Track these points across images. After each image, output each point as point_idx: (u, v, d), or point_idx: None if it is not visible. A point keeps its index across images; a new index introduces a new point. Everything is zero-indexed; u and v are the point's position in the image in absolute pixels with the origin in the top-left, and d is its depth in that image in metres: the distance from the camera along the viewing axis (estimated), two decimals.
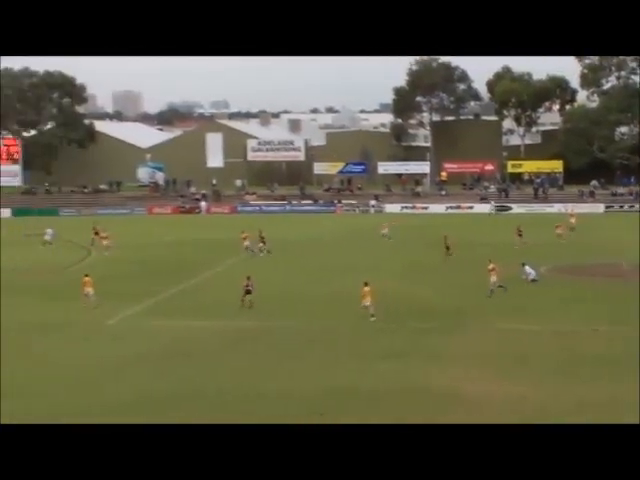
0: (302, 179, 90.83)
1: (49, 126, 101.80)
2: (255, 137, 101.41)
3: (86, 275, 35.62)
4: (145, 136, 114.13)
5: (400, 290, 36.65)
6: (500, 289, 35.03)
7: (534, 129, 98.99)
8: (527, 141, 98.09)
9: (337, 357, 25.80)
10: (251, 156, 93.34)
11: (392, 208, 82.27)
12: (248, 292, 33.21)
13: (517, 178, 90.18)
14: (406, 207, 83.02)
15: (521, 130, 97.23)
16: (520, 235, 51.37)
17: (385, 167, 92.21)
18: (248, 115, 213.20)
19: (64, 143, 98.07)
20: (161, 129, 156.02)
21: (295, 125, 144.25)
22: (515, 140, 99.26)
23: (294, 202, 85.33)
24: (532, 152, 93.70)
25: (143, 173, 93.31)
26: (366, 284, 31.15)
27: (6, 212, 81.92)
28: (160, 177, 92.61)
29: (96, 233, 55.81)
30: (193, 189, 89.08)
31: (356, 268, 41.49)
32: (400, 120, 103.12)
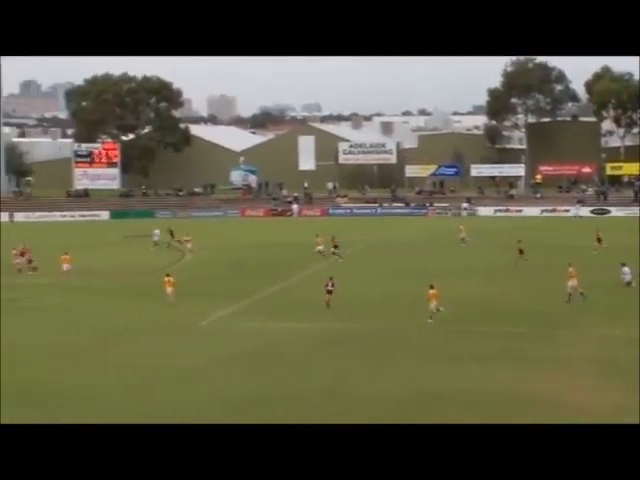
0: (394, 182, 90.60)
1: (146, 130, 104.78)
2: (347, 140, 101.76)
3: (167, 275, 36.44)
4: (239, 139, 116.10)
5: (485, 294, 36.50)
6: (580, 294, 34.21)
7: (635, 130, 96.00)
8: (627, 142, 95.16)
9: (425, 360, 25.65)
10: (343, 159, 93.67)
11: (485, 211, 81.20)
12: (329, 292, 33.64)
13: (616, 181, 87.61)
14: (499, 210, 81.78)
15: (621, 131, 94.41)
16: (599, 241, 49.97)
17: (478, 169, 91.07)
18: (340, 118, 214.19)
19: (160, 147, 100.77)
20: (254, 132, 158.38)
21: (387, 128, 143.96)
22: (615, 142, 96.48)
23: (385, 205, 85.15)
24: (633, 154, 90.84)
25: (236, 176, 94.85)
26: (432, 287, 31.29)
27: (104, 214, 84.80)
28: (253, 180, 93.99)
29: (172, 235, 56.48)
30: (285, 192, 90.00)
31: (441, 271, 41.55)
32: (494, 122, 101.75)
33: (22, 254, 45.94)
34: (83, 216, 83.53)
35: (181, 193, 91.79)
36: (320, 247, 48.63)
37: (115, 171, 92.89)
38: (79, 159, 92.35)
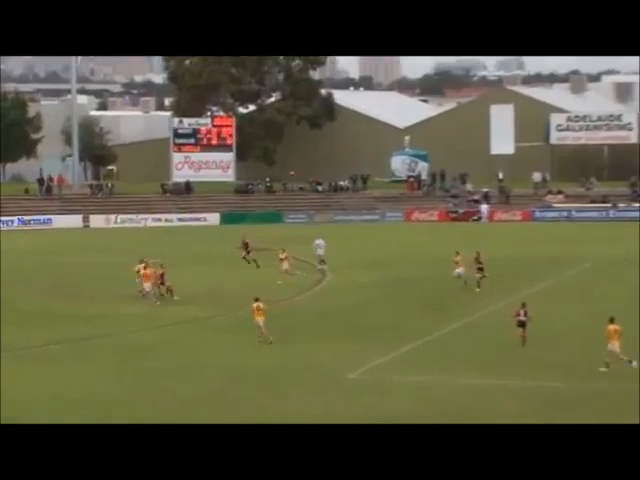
0: (634, 171, 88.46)
1: (273, 99, 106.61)
2: (563, 110, 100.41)
3: (256, 299, 36.96)
4: (403, 111, 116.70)
5: None
6: None
7: None
8: None
9: None
10: (556, 138, 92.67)
11: None
12: (522, 324, 35.01)
13: None
14: None
15: None
16: None
17: None
18: (552, 79, 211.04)
19: (292, 122, 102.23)
20: (425, 101, 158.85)
21: (624, 91, 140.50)
22: None
23: (621, 205, 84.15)
24: None
25: (399, 163, 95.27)
26: (612, 320, 31.78)
27: (213, 218, 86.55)
28: (423, 169, 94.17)
29: (247, 250, 56.85)
30: (470, 186, 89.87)
31: None
32: None
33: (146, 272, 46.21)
34: (183, 220, 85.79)
35: (320, 188, 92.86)
36: (459, 269, 48.76)
37: (229, 156, 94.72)
38: (180, 140, 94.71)
